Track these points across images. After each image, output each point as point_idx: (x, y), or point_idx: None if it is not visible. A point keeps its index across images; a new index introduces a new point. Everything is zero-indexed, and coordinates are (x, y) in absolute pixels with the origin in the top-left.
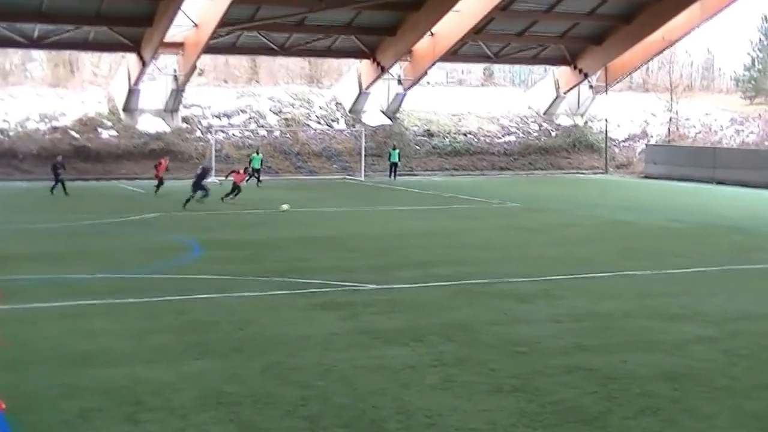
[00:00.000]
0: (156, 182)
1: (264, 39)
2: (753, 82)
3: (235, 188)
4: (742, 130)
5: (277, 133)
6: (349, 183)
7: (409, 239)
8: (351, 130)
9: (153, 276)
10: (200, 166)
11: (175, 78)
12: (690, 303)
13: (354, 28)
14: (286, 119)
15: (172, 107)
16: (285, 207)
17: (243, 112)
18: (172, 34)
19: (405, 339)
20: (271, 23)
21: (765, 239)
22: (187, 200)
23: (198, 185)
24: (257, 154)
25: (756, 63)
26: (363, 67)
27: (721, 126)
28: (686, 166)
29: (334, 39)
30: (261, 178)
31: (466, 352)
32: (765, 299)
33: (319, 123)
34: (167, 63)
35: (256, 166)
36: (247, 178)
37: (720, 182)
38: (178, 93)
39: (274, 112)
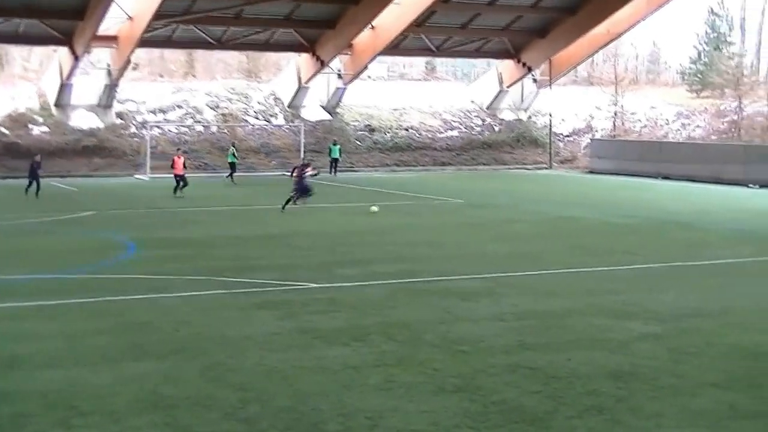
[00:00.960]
0: (176, 181)
1: (200, 32)
2: (699, 75)
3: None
4: (689, 124)
5: (214, 129)
6: (289, 179)
7: (350, 237)
8: (290, 126)
9: (88, 276)
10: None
11: (109, 72)
12: (636, 300)
13: (293, 21)
14: (223, 115)
15: (105, 103)
16: (375, 209)
17: (179, 107)
18: (106, 27)
19: (346, 339)
20: (208, 16)
21: (712, 235)
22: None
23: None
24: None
25: (702, 56)
26: (302, 61)
27: (667, 120)
28: (632, 160)
29: (272, 32)
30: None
31: (408, 352)
32: (712, 296)
33: (258, 118)
34: (100, 57)
35: (232, 160)
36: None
37: (666, 177)
38: (111, 88)
39: (211, 108)
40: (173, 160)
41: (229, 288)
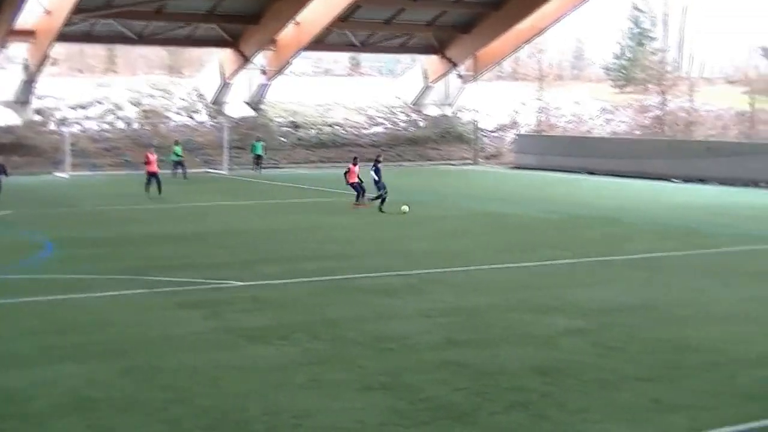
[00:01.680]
0: (148, 179)
1: (121, 27)
2: (623, 71)
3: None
4: (613, 119)
5: (135, 126)
6: (212, 177)
7: (274, 234)
8: (213, 122)
9: (5, 277)
10: None
11: (26, 68)
12: (561, 295)
13: (215, 16)
14: (145, 111)
15: (23, 99)
16: (405, 208)
17: (100, 103)
18: (22, 21)
19: (271, 337)
20: (128, 10)
21: (636, 229)
22: None
23: None
24: (177, 145)
25: (626, 52)
26: (225, 56)
27: (592, 115)
28: (557, 156)
29: (194, 27)
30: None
31: (333, 350)
32: (636, 290)
33: (180, 115)
34: (17, 52)
35: (178, 156)
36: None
37: (591, 172)
38: (29, 84)
39: (132, 104)
40: (146, 157)
41: (152, 287)
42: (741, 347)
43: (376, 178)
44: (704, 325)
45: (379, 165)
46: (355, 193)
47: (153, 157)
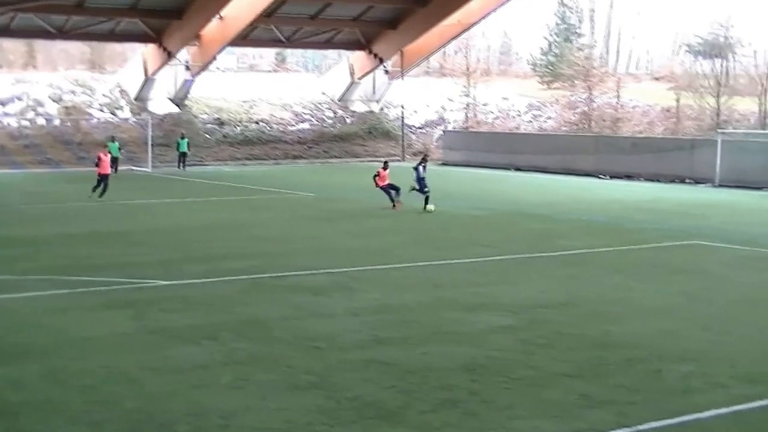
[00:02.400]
0: (98, 182)
1: (40, 21)
2: (550, 67)
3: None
4: (540, 116)
5: (57, 122)
6: (136, 174)
7: (199, 232)
8: (137, 119)
9: None
10: None
11: None
12: (488, 292)
13: (138, 11)
14: (66, 107)
15: None
16: (431, 207)
17: (19, 99)
18: None
19: (196, 337)
20: (48, 4)
21: (563, 226)
22: None
23: None
24: (113, 142)
25: (552, 47)
26: (148, 52)
27: (519, 111)
28: (484, 152)
29: (117, 22)
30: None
31: (260, 349)
32: (563, 287)
33: (103, 111)
34: None
35: (115, 154)
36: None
37: (518, 168)
38: None
39: (53, 100)
40: (99, 157)
41: (74, 287)
42: (667, 342)
43: (422, 177)
44: (630, 320)
45: (425, 164)
46: (387, 196)
47: (106, 158)
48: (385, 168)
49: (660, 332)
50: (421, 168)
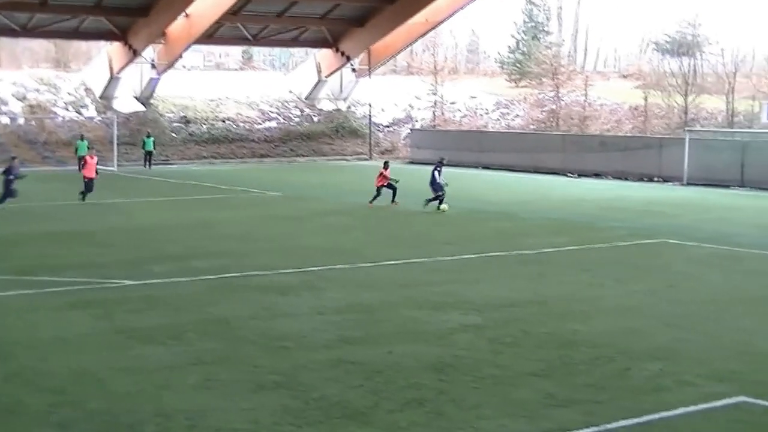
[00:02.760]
0: (86, 184)
1: (4, 19)
2: (518, 65)
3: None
4: (508, 114)
5: (21, 121)
6: (101, 173)
7: (164, 232)
8: (102, 118)
9: None
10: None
11: None
12: (455, 291)
13: (103, 8)
14: (30, 106)
15: None
16: (445, 207)
17: None
18: None
19: (162, 337)
20: (12, 1)
21: (530, 224)
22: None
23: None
24: (82, 140)
25: (520, 46)
26: (114, 50)
27: (487, 109)
28: (452, 150)
29: (81, 20)
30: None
31: (226, 349)
32: (529, 285)
33: (68, 110)
34: None
35: (82, 153)
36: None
37: (486, 167)
38: None
39: (17, 98)
40: (85, 161)
41: (39, 288)
42: (634, 341)
43: (438, 180)
44: (598, 319)
45: (442, 167)
46: (377, 195)
47: (93, 160)
48: (386, 168)
49: (627, 331)
50: (436, 172)
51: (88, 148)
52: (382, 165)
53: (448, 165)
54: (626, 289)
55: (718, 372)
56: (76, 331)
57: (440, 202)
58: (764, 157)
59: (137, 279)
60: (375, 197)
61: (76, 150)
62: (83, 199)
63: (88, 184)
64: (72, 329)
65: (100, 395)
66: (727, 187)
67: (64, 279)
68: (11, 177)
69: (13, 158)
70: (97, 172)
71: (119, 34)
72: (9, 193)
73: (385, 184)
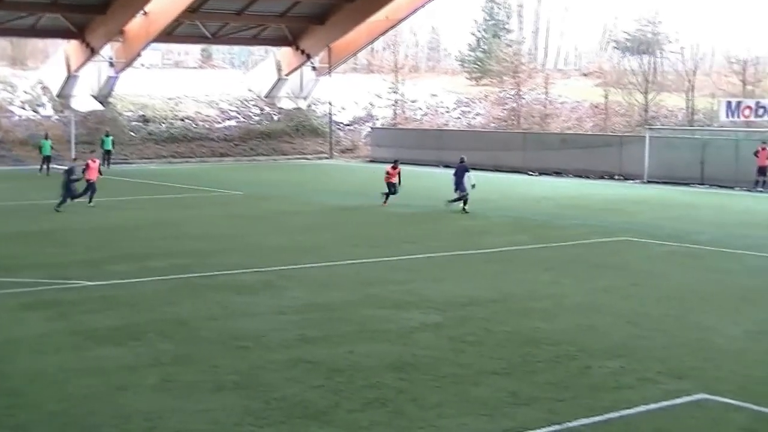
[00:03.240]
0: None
1: None
2: (478, 63)
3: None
4: (469, 112)
5: None
6: (59, 173)
7: (124, 232)
8: (59, 116)
9: None
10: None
11: None
12: (416, 290)
13: (60, 6)
14: None
15: None
16: (465, 208)
17: None
18: None
19: (121, 338)
20: None
21: (491, 222)
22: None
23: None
24: (46, 139)
25: (481, 43)
26: (71, 48)
27: (448, 108)
28: (412, 149)
29: (38, 17)
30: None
31: (186, 350)
32: (491, 284)
33: (24, 108)
34: None
35: (47, 153)
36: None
37: (447, 165)
38: None
39: None
40: (87, 164)
41: None
42: (596, 339)
43: (464, 181)
44: (559, 317)
45: (460, 164)
46: (387, 193)
47: (95, 164)
48: (394, 167)
49: (589, 329)
50: (467, 175)
51: (91, 151)
52: (392, 163)
53: (414, 164)
54: (587, 287)
55: (678, 369)
56: (32, 333)
57: (465, 203)
58: (723, 155)
59: (95, 279)
60: (390, 194)
61: (41, 149)
62: (90, 201)
63: (91, 186)
64: (29, 330)
65: (57, 397)
66: (687, 185)
67: (21, 280)
68: (73, 177)
69: (75, 159)
70: (100, 172)
71: (77, 32)
72: (69, 193)
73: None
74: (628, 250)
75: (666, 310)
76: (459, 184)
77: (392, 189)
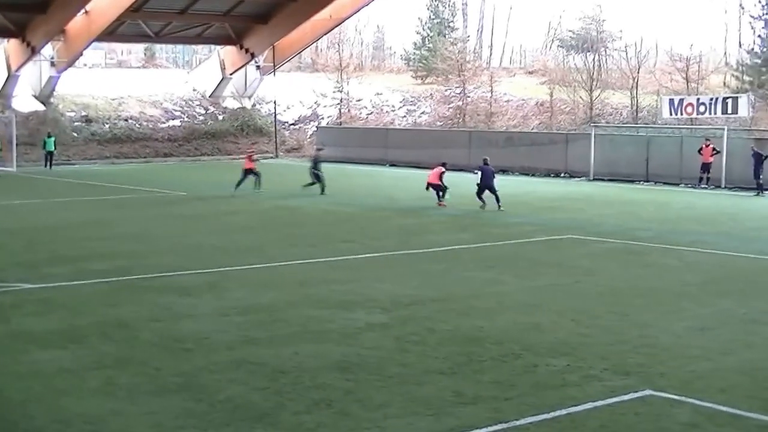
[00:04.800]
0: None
1: None
2: (424, 61)
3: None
4: (414, 110)
5: None
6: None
7: (63, 233)
8: (0, 117)
9: None
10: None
11: None
12: (359, 289)
13: None
14: None
15: None
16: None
17: None
18: None
19: (61, 341)
20: None
21: (433, 221)
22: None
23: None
24: (49, 137)
25: (426, 42)
26: (11, 47)
27: (393, 106)
28: (358, 147)
29: None
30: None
31: (127, 352)
32: (433, 282)
33: None
34: None
35: (50, 148)
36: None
37: (393, 164)
38: None
39: None
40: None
41: None
42: (538, 336)
43: (489, 184)
44: (503, 315)
45: (486, 166)
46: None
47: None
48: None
49: (532, 326)
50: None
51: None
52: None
53: (355, 162)
54: (530, 285)
55: (622, 366)
56: None
57: (498, 200)
58: (667, 152)
59: (33, 282)
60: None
61: (44, 145)
62: (259, 187)
63: (251, 175)
64: None
65: None
66: (632, 182)
67: None
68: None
69: (319, 150)
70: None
71: (16, 31)
72: (318, 178)
73: (435, 183)
74: (572, 248)
75: (609, 307)
76: (490, 187)
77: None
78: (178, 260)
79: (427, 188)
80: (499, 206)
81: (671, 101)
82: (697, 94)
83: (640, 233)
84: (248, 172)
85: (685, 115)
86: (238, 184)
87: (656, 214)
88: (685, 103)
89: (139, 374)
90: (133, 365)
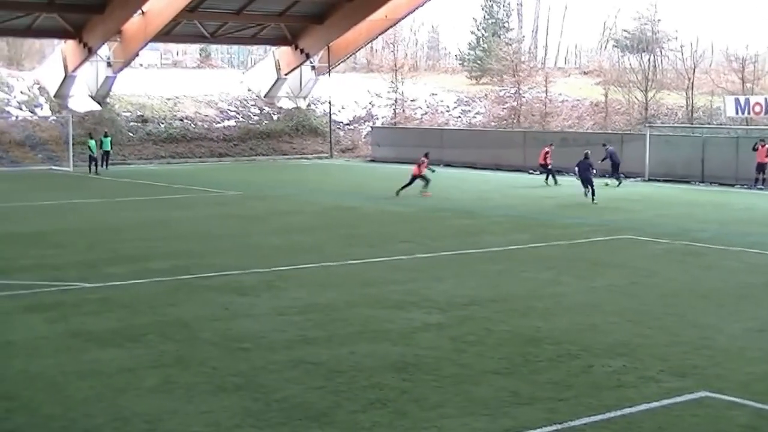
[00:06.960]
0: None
1: None
2: (478, 61)
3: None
4: (469, 111)
5: None
6: (56, 174)
7: (123, 232)
8: (57, 117)
9: None
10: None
11: None
12: (416, 290)
13: (57, 6)
14: None
15: None
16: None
17: None
18: None
19: (120, 340)
20: None
21: (491, 222)
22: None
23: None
24: (106, 136)
25: (481, 42)
26: (68, 48)
27: (448, 107)
28: (413, 148)
29: (35, 17)
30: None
31: (186, 351)
32: (491, 283)
33: (21, 109)
34: None
35: (107, 148)
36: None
37: (448, 164)
38: None
39: None
40: (546, 151)
41: None
42: (597, 337)
43: (586, 176)
44: (560, 316)
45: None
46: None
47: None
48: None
49: (590, 327)
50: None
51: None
52: (423, 155)
53: (410, 162)
54: (588, 286)
55: (679, 367)
56: (29, 335)
57: (593, 194)
58: (723, 153)
59: (93, 281)
60: (406, 186)
61: (101, 145)
62: (555, 183)
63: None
64: (26, 333)
65: (55, 400)
66: (687, 182)
67: (17, 282)
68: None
69: (586, 153)
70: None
71: (73, 32)
72: (588, 182)
73: (421, 174)
74: (629, 248)
75: (667, 308)
76: (588, 180)
77: (424, 178)
78: (236, 260)
79: (412, 181)
80: (594, 200)
81: (737, 101)
82: (752, 94)
83: (699, 234)
84: (415, 177)
85: (752, 115)
86: (403, 187)
87: (714, 215)
88: (752, 103)
89: (196, 373)
90: (191, 364)
